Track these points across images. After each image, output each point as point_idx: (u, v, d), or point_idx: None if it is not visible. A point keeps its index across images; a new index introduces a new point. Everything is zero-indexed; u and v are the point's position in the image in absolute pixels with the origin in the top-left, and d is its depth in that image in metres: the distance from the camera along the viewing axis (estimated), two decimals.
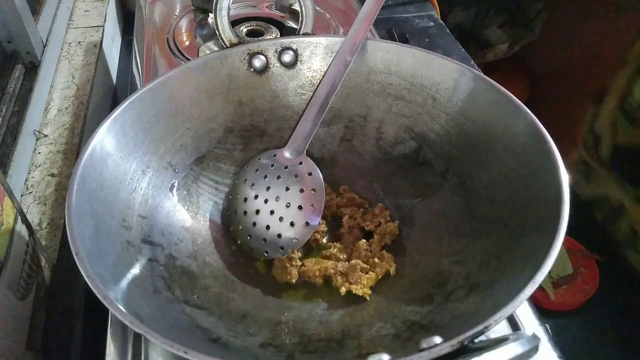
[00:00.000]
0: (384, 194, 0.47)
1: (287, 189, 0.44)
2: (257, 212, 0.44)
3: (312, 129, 0.45)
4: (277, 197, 0.44)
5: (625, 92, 0.96)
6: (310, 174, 0.44)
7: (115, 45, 0.92)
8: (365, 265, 0.41)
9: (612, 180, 0.95)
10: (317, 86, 0.46)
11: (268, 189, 0.44)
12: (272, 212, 0.43)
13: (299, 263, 0.42)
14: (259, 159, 0.46)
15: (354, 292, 0.39)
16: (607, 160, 0.99)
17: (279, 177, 0.44)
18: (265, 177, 0.45)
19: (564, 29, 1.36)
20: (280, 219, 0.43)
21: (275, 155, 0.46)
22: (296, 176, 0.44)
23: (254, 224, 0.43)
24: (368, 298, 0.39)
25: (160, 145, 0.43)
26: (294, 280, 0.41)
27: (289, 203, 0.43)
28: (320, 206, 0.43)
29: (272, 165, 0.45)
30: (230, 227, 0.45)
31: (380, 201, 0.47)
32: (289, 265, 0.41)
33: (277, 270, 0.42)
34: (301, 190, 0.43)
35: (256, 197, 0.44)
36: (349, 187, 0.48)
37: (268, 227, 0.43)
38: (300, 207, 0.43)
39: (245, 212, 0.44)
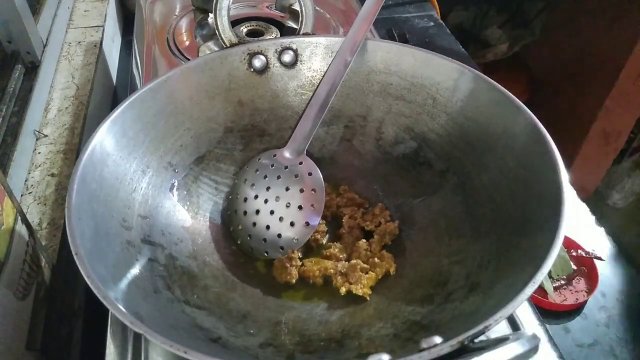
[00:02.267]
0: (384, 194, 0.47)
1: (287, 189, 0.44)
2: (257, 212, 0.44)
3: (312, 129, 0.45)
4: (277, 197, 0.44)
5: None
6: (310, 174, 0.44)
7: (115, 45, 0.91)
8: (365, 265, 0.41)
9: None
10: (317, 86, 0.46)
11: (268, 189, 0.44)
12: (272, 212, 0.43)
13: (299, 263, 0.42)
14: (259, 159, 0.46)
15: (354, 292, 0.39)
16: None
17: (279, 177, 0.44)
18: (265, 177, 0.45)
19: (564, 29, 1.36)
20: (280, 219, 0.43)
21: (275, 155, 0.46)
22: (296, 176, 0.44)
23: (254, 224, 0.43)
24: (368, 298, 0.39)
25: (160, 145, 0.43)
26: (294, 280, 0.41)
27: (289, 203, 0.43)
28: (320, 206, 0.43)
29: (272, 165, 0.45)
30: (230, 227, 0.45)
31: (380, 201, 0.47)
32: (289, 265, 0.41)
33: (277, 270, 0.42)
34: (301, 190, 0.43)
35: (256, 197, 0.44)
36: (349, 187, 0.48)
37: (268, 227, 0.43)
38: (300, 207, 0.43)
39: (245, 212, 0.44)
